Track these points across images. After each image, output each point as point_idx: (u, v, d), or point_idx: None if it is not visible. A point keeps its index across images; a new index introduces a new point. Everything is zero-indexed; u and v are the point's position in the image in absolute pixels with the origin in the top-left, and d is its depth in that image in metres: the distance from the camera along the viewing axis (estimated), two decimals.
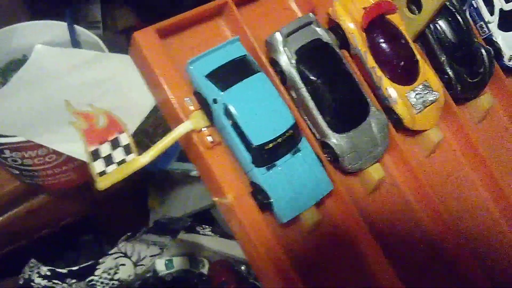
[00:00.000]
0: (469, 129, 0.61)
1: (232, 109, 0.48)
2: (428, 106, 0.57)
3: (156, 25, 0.51)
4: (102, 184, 0.46)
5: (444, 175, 0.60)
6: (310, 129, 0.54)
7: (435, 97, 0.57)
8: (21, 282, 0.77)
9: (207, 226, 0.87)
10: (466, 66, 0.61)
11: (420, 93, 0.57)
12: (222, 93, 0.48)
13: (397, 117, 0.56)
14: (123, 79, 0.57)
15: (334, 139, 0.53)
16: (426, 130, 0.58)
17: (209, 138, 0.48)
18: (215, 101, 0.48)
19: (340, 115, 0.53)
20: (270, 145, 0.48)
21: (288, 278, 0.48)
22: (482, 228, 0.61)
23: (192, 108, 0.49)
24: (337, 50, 0.55)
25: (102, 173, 0.47)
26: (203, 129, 0.48)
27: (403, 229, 0.57)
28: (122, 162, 0.47)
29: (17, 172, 0.62)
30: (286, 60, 0.53)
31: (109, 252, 0.80)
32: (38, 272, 0.76)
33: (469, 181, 0.62)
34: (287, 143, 0.50)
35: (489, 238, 0.61)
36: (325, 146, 0.54)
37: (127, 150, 0.47)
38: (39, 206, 0.74)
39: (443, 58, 0.60)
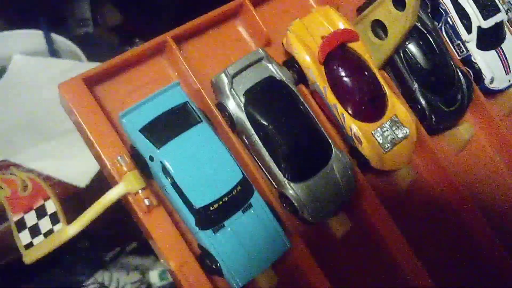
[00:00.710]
0: (446, 161, 0.56)
1: (169, 167, 0.43)
2: (398, 143, 0.52)
3: (83, 74, 0.45)
4: (29, 258, 0.42)
5: (423, 212, 0.55)
6: (266, 176, 0.49)
7: (405, 134, 0.52)
8: None
9: None
10: (441, 93, 0.55)
11: (388, 130, 0.51)
12: (158, 150, 0.43)
13: (363, 158, 0.51)
14: None
15: (291, 189, 0.47)
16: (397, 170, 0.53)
17: (146, 202, 0.43)
18: (151, 158, 0.43)
19: (297, 163, 0.48)
20: (216, 205, 0.43)
21: None
22: None
23: (125, 168, 0.43)
24: (293, 88, 0.49)
25: (29, 245, 0.42)
26: (139, 191, 0.43)
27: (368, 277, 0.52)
28: (49, 232, 0.42)
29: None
30: (234, 104, 0.48)
31: (85, 284, 0.77)
32: None
33: (446, 216, 0.56)
34: (235, 200, 0.44)
35: None
36: (283, 197, 0.48)
37: (55, 218, 0.43)
38: None
39: (414, 86, 0.54)
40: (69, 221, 0.42)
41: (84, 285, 0.78)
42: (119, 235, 0.86)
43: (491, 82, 0.58)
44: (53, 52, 0.67)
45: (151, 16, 0.86)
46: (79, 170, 0.56)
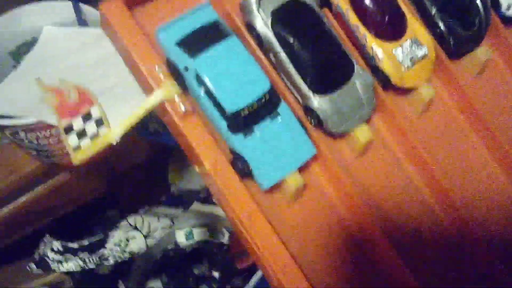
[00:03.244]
0: (465, 84, 0.58)
1: (204, 76, 0.46)
2: (418, 62, 0.54)
3: None
4: (77, 159, 0.46)
5: (439, 134, 0.57)
6: (293, 93, 0.52)
7: (424, 52, 0.54)
8: (36, 258, 0.79)
9: None
10: (459, 18, 0.57)
11: (408, 49, 0.54)
12: (192, 60, 0.46)
13: (384, 75, 0.54)
14: None
15: (316, 102, 0.51)
16: (416, 88, 0.55)
17: (182, 107, 0.47)
18: (186, 68, 0.47)
19: (321, 76, 0.51)
20: (246, 111, 0.47)
21: (272, 246, 0.47)
22: (482, 187, 0.58)
23: (162, 77, 0.47)
24: (317, 9, 0.52)
25: (77, 148, 0.46)
26: (175, 97, 0.47)
27: (395, 191, 0.54)
28: (95, 135, 0.46)
29: (35, 152, 0.63)
30: (262, 23, 0.51)
31: (119, 225, 0.81)
32: (51, 248, 0.77)
33: (466, 139, 0.59)
34: (264, 108, 0.48)
35: (490, 197, 0.58)
36: (308, 110, 0.52)
37: (100, 123, 0.47)
38: (60, 184, 0.75)
39: (433, 11, 0.57)
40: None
41: (117, 226, 0.82)
42: (146, 199, 0.90)
43: (508, 8, 0.60)
44: (82, 22, 0.68)
45: None
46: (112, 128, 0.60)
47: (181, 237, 0.88)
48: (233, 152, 0.48)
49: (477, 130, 0.58)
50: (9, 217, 0.75)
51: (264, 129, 0.48)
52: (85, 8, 0.68)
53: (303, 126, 0.50)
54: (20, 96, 0.58)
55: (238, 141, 0.47)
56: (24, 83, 0.59)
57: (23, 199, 0.75)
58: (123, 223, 0.82)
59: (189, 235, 0.88)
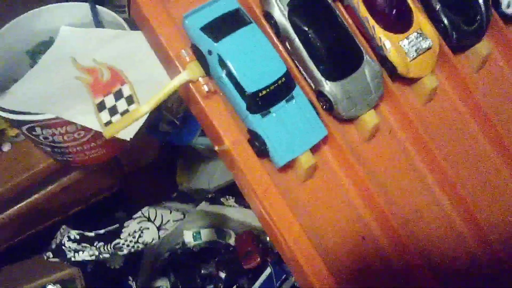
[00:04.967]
0: (467, 77, 0.62)
1: (226, 59, 0.50)
2: (422, 53, 0.58)
3: None
4: (108, 133, 0.50)
5: (442, 123, 0.61)
6: (306, 79, 0.56)
7: (429, 44, 0.58)
8: (53, 246, 0.82)
9: (230, 197, 0.90)
10: (462, 14, 0.61)
11: (414, 41, 0.58)
12: (216, 44, 0.50)
13: (391, 65, 0.58)
14: (145, 55, 0.58)
15: (328, 87, 0.55)
16: (421, 78, 0.59)
17: (205, 88, 0.51)
18: (209, 52, 0.51)
19: (333, 63, 0.55)
20: (264, 92, 0.51)
21: (285, 219, 0.51)
22: (482, 178, 0.62)
23: (188, 59, 0.51)
24: (330, 2, 0.57)
25: (108, 123, 0.50)
26: (199, 79, 0.51)
27: (400, 174, 0.58)
28: (125, 112, 0.50)
29: (49, 149, 0.65)
30: (279, 12, 0.55)
31: (133, 217, 0.84)
32: (68, 236, 0.80)
33: (468, 129, 0.62)
34: (280, 90, 0.52)
35: (490, 188, 0.61)
36: (320, 95, 0.56)
37: (130, 100, 0.51)
38: (72, 182, 0.77)
39: (438, 6, 0.61)
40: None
41: (133, 217, 0.84)
42: (156, 199, 0.92)
43: (508, 7, 0.64)
44: (98, 23, 0.70)
45: None
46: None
47: (189, 237, 0.91)
48: (251, 131, 0.52)
49: (478, 121, 0.62)
50: (22, 214, 0.77)
51: (280, 110, 0.52)
52: (101, 9, 0.70)
53: (315, 109, 0.54)
54: (37, 94, 0.60)
55: (256, 121, 0.51)
56: (41, 81, 0.62)
57: (36, 196, 0.77)
58: (137, 214, 0.85)
59: (196, 236, 0.91)
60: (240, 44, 0.51)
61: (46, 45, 0.70)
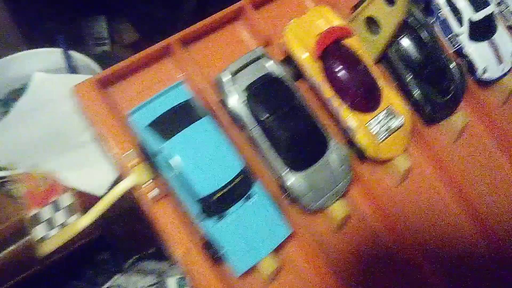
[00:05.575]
0: (443, 151, 0.58)
1: (175, 159, 0.46)
2: (393, 132, 0.54)
3: (96, 76, 0.49)
4: (43, 250, 0.45)
5: (418, 203, 0.57)
6: (269, 169, 0.52)
7: (400, 123, 0.54)
8: None
9: None
10: (435, 84, 0.57)
11: (383, 120, 0.54)
12: (164, 143, 0.46)
13: (359, 148, 0.53)
14: None
15: (291, 179, 0.50)
16: (392, 159, 0.55)
17: (154, 192, 0.46)
18: (157, 151, 0.46)
19: (296, 152, 0.50)
20: (218, 194, 0.46)
21: None
22: (462, 256, 0.58)
23: (135, 161, 0.47)
24: (290, 84, 0.52)
25: (43, 239, 0.46)
26: (148, 182, 0.46)
27: (373, 262, 0.54)
28: (63, 225, 0.46)
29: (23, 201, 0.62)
30: (235, 100, 0.51)
31: (103, 287, 0.79)
32: None
33: (444, 207, 0.58)
34: (237, 190, 0.47)
35: (468, 262, 0.57)
36: (283, 186, 0.51)
37: (69, 211, 0.46)
38: None
39: (408, 78, 0.57)
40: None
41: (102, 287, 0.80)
42: (138, 243, 0.88)
43: (484, 72, 0.60)
44: (72, 68, 0.69)
45: (165, 33, 0.91)
46: (96, 179, 0.60)
47: (172, 285, 0.87)
48: (206, 236, 0.48)
49: (455, 200, 0.58)
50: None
51: (237, 211, 0.47)
52: (75, 55, 0.69)
53: (277, 205, 0.49)
54: (8, 146, 0.57)
55: (211, 226, 0.47)
56: (13, 132, 0.59)
57: (12, 248, 0.73)
58: (108, 284, 0.80)
59: (180, 282, 0.86)
60: (191, 142, 0.46)
61: (18, 92, 0.67)
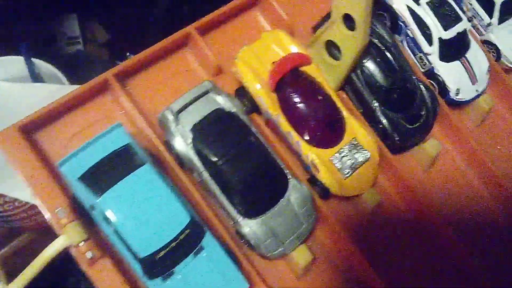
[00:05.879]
0: (414, 181, 0.54)
1: (111, 216, 0.41)
2: (359, 167, 0.49)
3: (19, 122, 0.44)
4: None
5: (388, 235, 0.53)
6: (222, 214, 0.47)
7: (365, 157, 0.49)
8: None
9: None
10: (404, 110, 0.53)
11: (348, 155, 0.49)
12: (98, 198, 0.41)
13: (322, 186, 0.49)
14: None
15: (247, 226, 0.45)
16: (360, 195, 0.50)
17: (89, 254, 0.41)
18: (92, 207, 0.41)
19: (251, 196, 0.46)
20: (162, 252, 0.41)
21: None
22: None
23: (65, 220, 0.41)
24: (244, 119, 0.47)
25: None
26: (81, 243, 0.41)
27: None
28: None
29: None
30: (181, 141, 0.46)
31: None
32: None
33: (416, 243, 0.54)
34: (184, 245, 0.42)
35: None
36: (239, 234, 0.46)
37: None
38: (25, 244, 0.69)
39: (375, 105, 0.52)
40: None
41: None
42: None
43: (457, 93, 0.56)
44: (35, 76, 0.66)
45: (138, 32, 0.86)
46: None
47: None
48: None
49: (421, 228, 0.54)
50: None
51: (186, 268, 0.42)
52: (38, 62, 0.66)
53: (234, 256, 0.45)
54: None
55: (156, 287, 0.42)
56: None
57: None
58: None
59: None
60: (128, 195, 0.41)
61: None
